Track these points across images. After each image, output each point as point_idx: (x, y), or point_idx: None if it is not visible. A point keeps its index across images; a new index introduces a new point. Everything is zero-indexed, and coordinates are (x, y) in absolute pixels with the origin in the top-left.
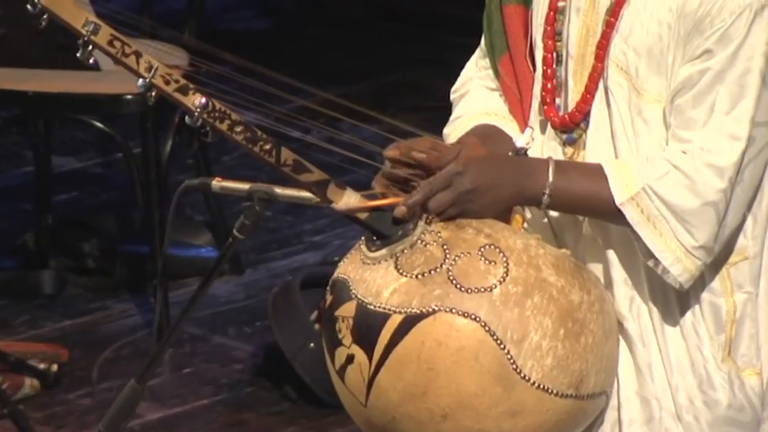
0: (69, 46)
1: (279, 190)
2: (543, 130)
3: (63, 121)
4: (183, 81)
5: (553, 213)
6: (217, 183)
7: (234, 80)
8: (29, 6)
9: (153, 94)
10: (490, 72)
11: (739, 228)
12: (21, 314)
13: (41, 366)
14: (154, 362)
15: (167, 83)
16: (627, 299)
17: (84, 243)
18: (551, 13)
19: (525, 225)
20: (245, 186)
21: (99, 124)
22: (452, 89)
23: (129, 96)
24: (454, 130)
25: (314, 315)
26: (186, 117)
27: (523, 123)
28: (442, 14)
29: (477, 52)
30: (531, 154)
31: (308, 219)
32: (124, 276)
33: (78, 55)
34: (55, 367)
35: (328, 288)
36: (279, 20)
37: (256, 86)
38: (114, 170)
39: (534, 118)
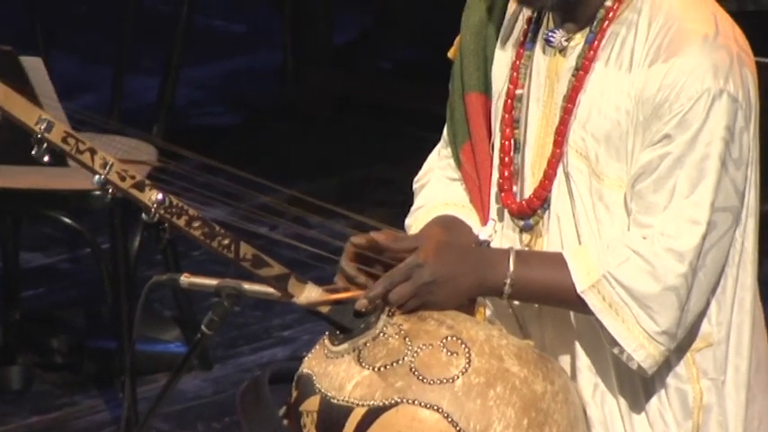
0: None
1: (247, 286)
2: (501, 218)
3: (31, 217)
4: (138, 177)
5: (517, 304)
6: (185, 279)
7: (202, 176)
8: None
9: (110, 190)
10: (451, 162)
11: (703, 313)
12: None
13: None
14: None
15: (123, 179)
16: (591, 384)
17: (52, 339)
18: (509, 100)
19: (488, 313)
20: (213, 282)
21: (67, 220)
22: (415, 179)
23: (97, 192)
24: (415, 221)
25: (283, 410)
26: (143, 213)
27: (484, 212)
28: (409, 110)
29: (441, 142)
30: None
31: (276, 314)
32: (92, 372)
33: (33, 153)
34: None
35: (294, 383)
36: (248, 116)
37: (224, 182)
38: (82, 266)
39: (492, 205)
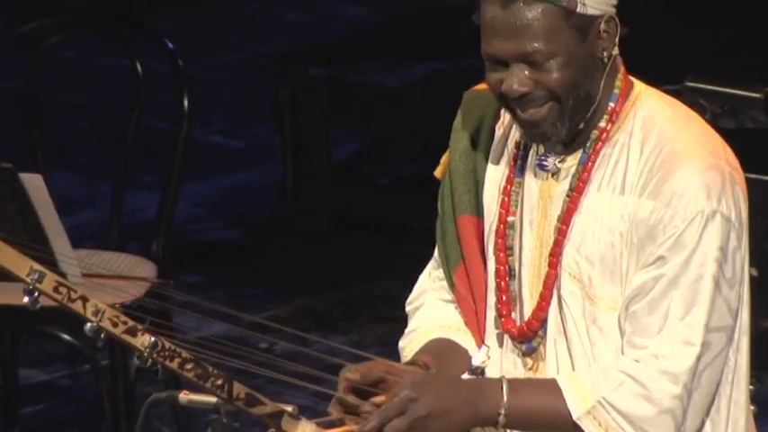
0: (36, 260)
1: None
2: (501, 343)
3: (30, 334)
4: (130, 322)
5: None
6: (184, 396)
7: (203, 291)
8: None
9: (102, 335)
10: (444, 284)
11: None
12: None
13: None
14: None
15: (115, 325)
16: None
17: None
18: (501, 226)
19: None
20: (212, 399)
21: (66, 336)
22: (407, 301)
23: None
24: (410, 344)
25: None
26: (135, 358)
27: (479, 334)
28: (409, 225)
29: (431, 263)
30: (490, 368)
31: None
32: None
33: (25, 301)
34: None
35: None
36: (247, 231)
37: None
38: (81, 382)
39: (491, 330)
